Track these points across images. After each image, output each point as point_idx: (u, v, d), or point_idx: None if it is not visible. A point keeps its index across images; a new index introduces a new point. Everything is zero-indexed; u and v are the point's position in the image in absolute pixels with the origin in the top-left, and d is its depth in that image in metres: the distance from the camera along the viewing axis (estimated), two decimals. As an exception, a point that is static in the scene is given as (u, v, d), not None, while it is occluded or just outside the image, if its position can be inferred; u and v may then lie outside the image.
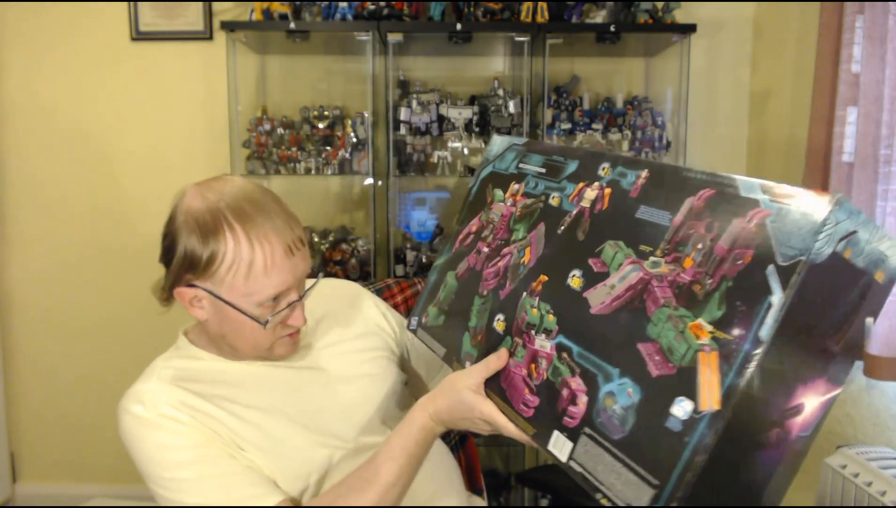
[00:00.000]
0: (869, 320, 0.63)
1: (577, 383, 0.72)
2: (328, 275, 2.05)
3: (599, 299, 0.74)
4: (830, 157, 1.70)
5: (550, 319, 0.78)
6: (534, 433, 0.76)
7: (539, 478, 1.89)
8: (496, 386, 0.83)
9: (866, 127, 1.60)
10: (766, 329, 0.57)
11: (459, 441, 1.27)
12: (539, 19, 2.01)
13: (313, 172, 2.12)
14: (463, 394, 0.82)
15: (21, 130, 2.31)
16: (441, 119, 2.10)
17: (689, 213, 0.68)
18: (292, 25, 1.97)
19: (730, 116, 2.31)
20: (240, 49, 2.14)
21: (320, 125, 2.11)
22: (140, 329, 2.26)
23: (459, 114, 2.10)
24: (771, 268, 0.58)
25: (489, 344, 0.86)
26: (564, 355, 0.75)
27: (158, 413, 0.87)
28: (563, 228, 0.82)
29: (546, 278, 0.81)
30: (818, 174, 1.76)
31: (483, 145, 2.17)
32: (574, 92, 2.22)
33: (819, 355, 0.62)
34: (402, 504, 0.89)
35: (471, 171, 2.13)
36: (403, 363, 1.15)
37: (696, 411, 0.59)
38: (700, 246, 0.65)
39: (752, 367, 0.57)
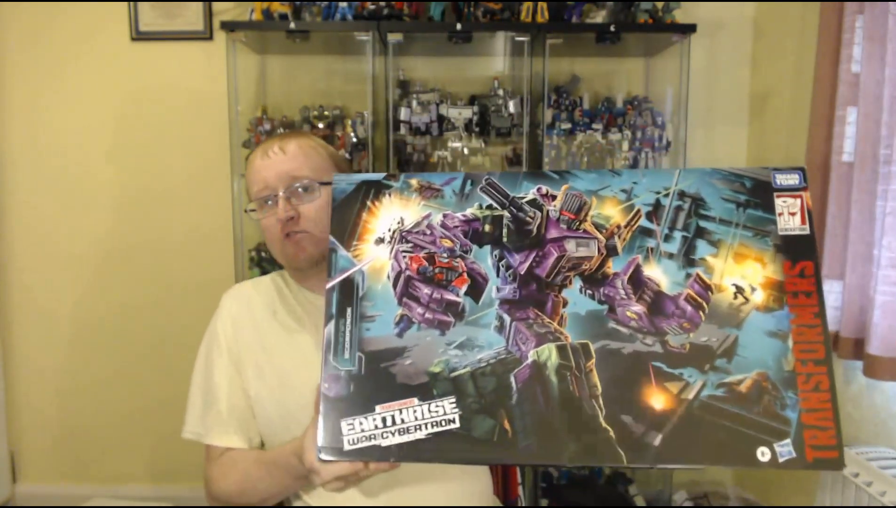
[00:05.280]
0: None
1: None
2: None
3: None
4: (830, 157, 1.70)
5: None
6: None
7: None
8: None
9: (866, 127, 1.60)
10: None
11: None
12: (539, 19, 2.01)
13: (313, 171, 2.12)
14: None
15: (20, 129, 2.31)
16: (441, 119, 2.10)
17: None
18: (292, 25, 1.98)
19: (730, 116, 2.31)
20: (240, 49, 2.14)
21: (320, 125, 2.11)
22: (140, 330, 2.26)
23: (459, 114, 2.10)
24: None
25: None
26: None
27: (225, 303, 1.07)
28: None
29: None
30: (818, 174, 1.76)
31: (483, 145, 2.17)
32: (574, 92, 2.21)
33: None
34: (424, 504, 0.90)
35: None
36: None
37: None
38: None
39: None
